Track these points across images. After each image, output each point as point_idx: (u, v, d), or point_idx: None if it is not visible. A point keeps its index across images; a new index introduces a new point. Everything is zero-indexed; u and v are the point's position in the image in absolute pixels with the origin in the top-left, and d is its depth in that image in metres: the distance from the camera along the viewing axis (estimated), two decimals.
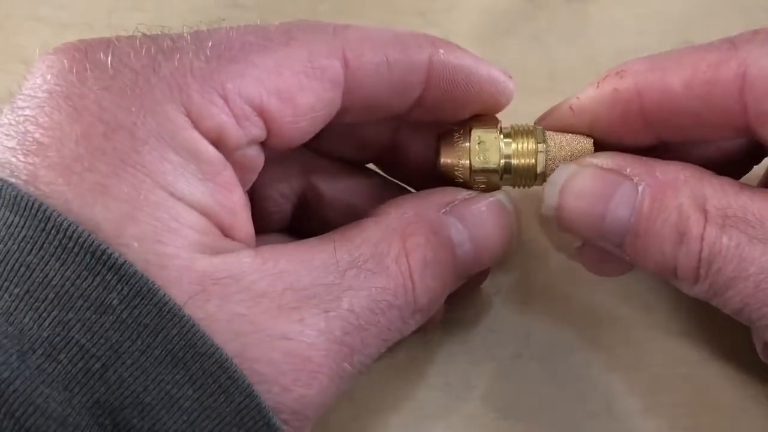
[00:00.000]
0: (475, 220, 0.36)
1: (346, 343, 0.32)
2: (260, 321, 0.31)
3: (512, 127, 0.38)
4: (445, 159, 0.38)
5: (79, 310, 0.28)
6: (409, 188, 0.42)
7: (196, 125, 0.31)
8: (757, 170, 0.41)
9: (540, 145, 0.38)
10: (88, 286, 0.28)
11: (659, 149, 0.38)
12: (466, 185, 0.38)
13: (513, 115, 0.39)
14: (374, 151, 0.41)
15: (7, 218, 0.29)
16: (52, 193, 0.29)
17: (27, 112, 0.31)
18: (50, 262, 0.28)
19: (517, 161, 0.37)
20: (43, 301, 0.28)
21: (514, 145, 0.37)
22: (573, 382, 0.42)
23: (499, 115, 0.39)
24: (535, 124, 0.39)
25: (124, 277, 0.28)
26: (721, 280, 0.33)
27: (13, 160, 0.30)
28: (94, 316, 0.28)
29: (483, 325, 0.44)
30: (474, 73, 0.36)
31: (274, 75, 0.32)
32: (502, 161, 0.37)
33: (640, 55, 0.37)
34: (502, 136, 0.38)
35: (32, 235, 0.28)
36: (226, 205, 0.32)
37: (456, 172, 0.38)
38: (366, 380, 0.42)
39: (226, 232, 0.32)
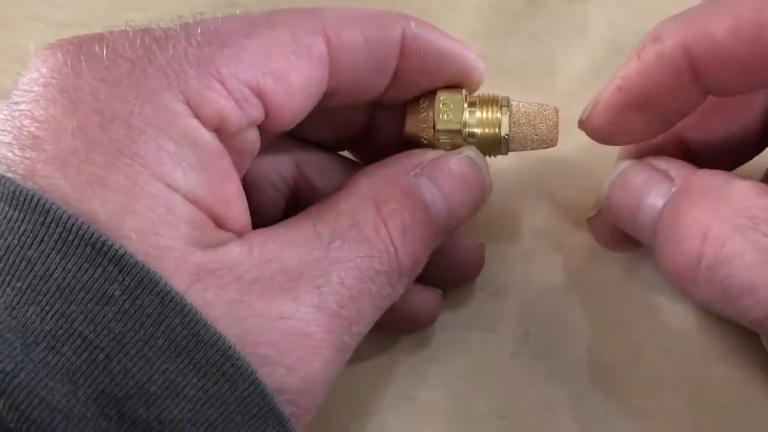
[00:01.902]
0: (446, 179, 0.37)
1: (343, 316, 0.33)
2: (256, 305, 0.31)
3: (478, 97, 0.39)
4: (410, 121, 0.38)
5: (81, 302, 0.28)
6: None
7: (196, 112, 0.31)
8: (757, 168, 0.41)
9: (504, 109, 0.38)
10: (90, 278, 0.28)
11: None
12: (431, 146, 0.38)
13: None
14: (350, 133, 0.42)
15: (7, 213, 0.29)
16: (50, 186, 0.29)
17: (23, 106, 0.30)
18: (51, 256, 0.28)
19: (481, 128, 0.38)
20: (45, 294, 0.28)
21: (478, 113, 0.38)
22: (573, 382, 0.42)
23: None
24: (580, 123, 0.39)
25: (125, 268, 0.28)
26: (738, 285, 0.32)
27: (10, 155, 0.30)
28: (96, 307, 0.28)
29: (483, 324, 0.44)
30: (445, 46, 0.37)
31: (264, 56, 0.33)
32: (466, 127, 0.38)
33: None
34: (466, 105, 0.38)
35: (32, 229, 0.28)
36: (221, 196, 0.32)
37: (421, 134, 0.38)
38: (365, 380, 0.42)
39: (219, 223, 0.32)
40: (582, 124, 0.38)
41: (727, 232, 0.32)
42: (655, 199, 0.36)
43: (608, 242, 0.42)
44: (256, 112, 0.33)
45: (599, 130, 0.38)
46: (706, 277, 0.33)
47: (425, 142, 0.38)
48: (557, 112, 0.39)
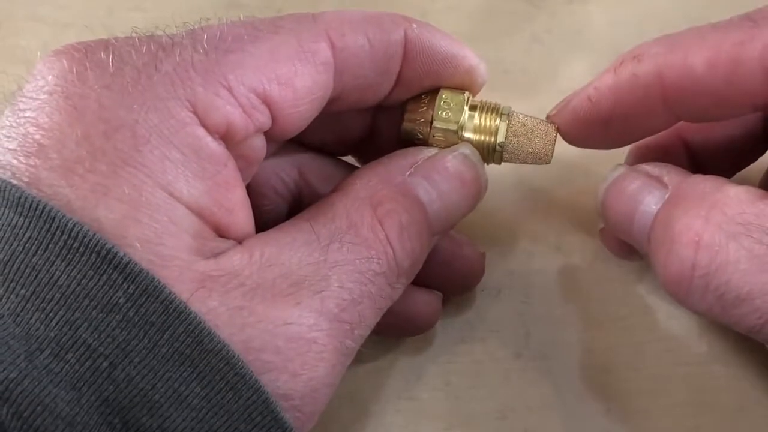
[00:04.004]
0: (441, 177, 0.37)
1: (345, 320, 0.33)
2: (260, 311, 0.31)
3: (480, 102, 0.39)
4: (409, 115, 0.38)
5: (85, 309, 0.28)
6: None
7: (203, 120, 0.31)
8: (756, 171, 0.41)
9: (503, 117, 0.38)
10: (94, 285, 0.28)
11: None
12: (425, 143, 0.38)
13: None
14: (354, 138, 0.42)
15: (12, 219, 0.29)
16: (55, 194, 0.29)
17: (28, 114, 0.31)
18: (56, 263, 0.28)
19: (478, 135, 0.38)
20: (50, 302, 0.28)
21: (477, 118, 0.38)
22: (573, 382, 0.42)
23: None
24: (548, 116, 0.39)
25: (130, 276, 0.28)
26: (734, 293, 0.32)
27: (15, 162, 0.30)
28: (100, 315, 0.28)
29: (483, 325, 0.44)
30: (448, 47, 0.37)
31: (270, 62, 0.33)
32: (463, 129, 0.38)
33: None
34: (467, 108, 0.38)
35: (37, 236, 0.28)
36: (224, 205, 0.32)
37: (417, 130, 0.38)
38: (366, 381, 0.43)
39: (222, 231, 0.33)
40: (549, 119, 0.39)
41: (720, 239, 0.32)
42: (649, 206, 0.36)
43: (620, 251, 0.42)
44: (263, 119, 0.33)
45: (562, 131, 0.39)
46: (701, 285, 0.32)
47: (420, 137, 0.38)
48: (557, 130, 0.39)
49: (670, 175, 0.36)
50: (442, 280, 0.41)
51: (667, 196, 0.35)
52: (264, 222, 0.39)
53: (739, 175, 0.42)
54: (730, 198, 0.33)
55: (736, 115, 0.36)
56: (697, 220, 0.33)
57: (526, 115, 0.39)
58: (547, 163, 0.39)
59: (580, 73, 0.49)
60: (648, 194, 0.36)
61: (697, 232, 0.32)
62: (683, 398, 0.42)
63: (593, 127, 0.38)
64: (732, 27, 0.34)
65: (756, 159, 0.41)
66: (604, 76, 0.37)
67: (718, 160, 0.41)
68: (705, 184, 0.34)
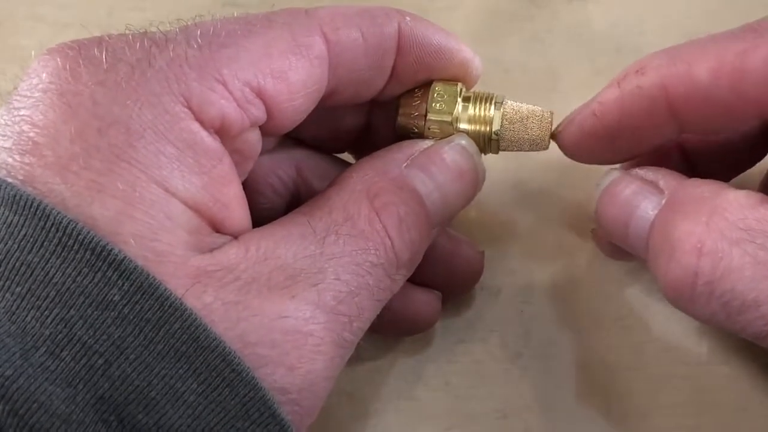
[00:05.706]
0: (438, 168, 0.37)
1: (343, 312, 0.32)
2: (255, 305, 0.31)
3: (473, 92, 0.39)
4: (403, 109, 0.39)
5: (80, 306, 0.28)
6: None
7: (197, 115, 0.31)
8: (754, 175, 0.41)
9: (497, 106, 0.38)
10: (89, 282, 0.28)
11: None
12: (421, 137, 0.38)
13: None
14: (350, 134, 0.42)
15: (7, 217, 0.29)
16: (50, 192, 0.29)
17: (22, 112, 0.31)
18: (51, 260, 0.28)
19: (473, 125, 0.38)
20: (45, 299, 0.28)
21: (471, 109, 0.38)
22: (572, 382, 0.42)
23: None
24: (552, 134, 0.39)
25: (125, 273, 0.28)
26: (739, 300, 0.31)
27: (9, 160, 0.30)
28: (95, 312, 0.28)
29: (483, 324, 0.44)
30: (441, 40, 0.37)
31: (264, 56, 0.33)
32: (458, 121, 0.38)
33: (641, 55, 0.37)
34: (461, 99, 0.38)
35: (32, 233, 0.28)
36: (220, 200, 0.32)
37: (412, 123, 0.38)
38: (366, 380, 0.43)
39: (217, 226, 0.33)
40: (554, 137, 0.39)
41: (723, 245, 0.31)
42: (646, 211, 0.35)
43: (612, 253, 0.41)
44: (258, 113, 0.33)
45: (569, 148, 0.39)
46: (705, 292, 0.32)
47: (416, 131, 0.38)
48: (552, 115, 0.39)
49: (666, 179, 0.36)
50: (441, 279, 0.41)
51: (663, 201, 0.35)
52: (262, 220, 0.39)
53: (737, 178, 0.41)
54: (731, 203, 0.32)
55: (743, 126, 0.36)
56: (698, 226, 0.32)
57: (521, 103, 0.39)
58: (545, 149, 0.39)
59: (580, 73, 0.49)
60: (644, 199, 0.36)
61: (699, 238, 0.32)
62: (683, 398, 0.41)
63: (599, 141, 0.37)
64: (734, 37, 0.34)
65: (754, 164, 0.41)
66: (607, 91, 0.36)
67: (716, 164, 0.40)
68: (703, 188, 0.34)
